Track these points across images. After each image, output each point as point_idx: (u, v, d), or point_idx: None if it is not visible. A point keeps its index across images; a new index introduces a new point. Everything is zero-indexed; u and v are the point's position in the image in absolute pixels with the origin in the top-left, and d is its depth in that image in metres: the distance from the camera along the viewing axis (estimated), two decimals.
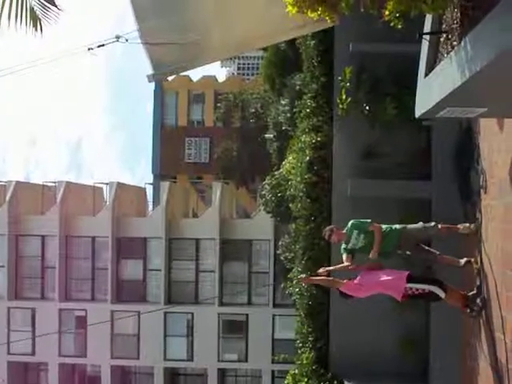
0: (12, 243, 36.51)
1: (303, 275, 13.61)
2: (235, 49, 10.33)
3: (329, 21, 7.77)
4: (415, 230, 12.43)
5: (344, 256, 12.56)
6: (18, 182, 37.94)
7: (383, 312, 14.94)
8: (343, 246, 12.57)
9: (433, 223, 12.48)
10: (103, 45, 9.68)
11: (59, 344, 36.38)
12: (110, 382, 36.71)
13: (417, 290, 11.91)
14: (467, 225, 12.63)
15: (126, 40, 9.61)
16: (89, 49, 9.53)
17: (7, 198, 36.64)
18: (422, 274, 13.18)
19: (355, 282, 12.21)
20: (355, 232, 12.40)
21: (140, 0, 9.51)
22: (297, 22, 9.55)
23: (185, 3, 9.79)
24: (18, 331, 36.72)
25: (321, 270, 12.75)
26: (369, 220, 12.43)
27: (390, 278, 12.02)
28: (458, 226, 12.64)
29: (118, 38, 9.60)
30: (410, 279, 11.91)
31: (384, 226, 12.45)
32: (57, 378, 36.90)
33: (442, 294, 11.84)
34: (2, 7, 7.28)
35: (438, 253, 12.75)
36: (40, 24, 7.65)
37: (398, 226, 12.50)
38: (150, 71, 10.40)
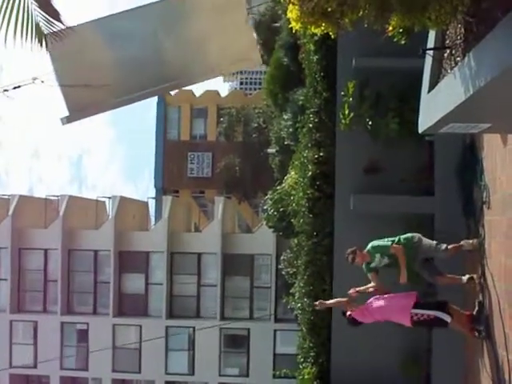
0: (15, 256, 36.48)
1: (317, 302, 13.49)
2: (144, 94, 10.07)
3: (332, 35, 7.75)
4: (427, 246, 12.41)
5: (369, 275, 12.58)
6: (21, 196, 37.97)
7: (385, 330, 14.87)
8: (365, 265, 12.58)
9: (444, 246, 12.40)
10: (19, 86, 9.43)
11: (61, 357, 36.28)
12: None
13: (422, 315, 11.91)
14: (470, 241, 12.61)
15: (42, 81, 9.36)
16: (4, 90, 9.31)
17: (10, 212, 36.65)
18: (425, 294, 13.19)
19: (365, 306, 12.25)
20: (377, 255, 12.42)
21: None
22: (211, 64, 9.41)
23: (96, 44, 9.59)
24: (20, 344, 36.69)
25: (351, 291, 12.76)
26: (388, 243, 12.41)
27: (396, 305, 12.08)
28: (462, 242, 12.62)
29: (34, 79, 9.36)
30: (416, 305, 11.94)
31: (403, 236, 12.48)
32: None
33: (448, 319, 11.83)
34: (8, 23, 7.29)
35: (440, 271, 12.74)
36: (45, 40, 7.66)
37: (413, 235, 12.50)
38: (66, 113, 10.15)
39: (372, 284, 12.66)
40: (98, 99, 9.94)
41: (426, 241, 12.49)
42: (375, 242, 12.53)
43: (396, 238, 12.51)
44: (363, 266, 12.63)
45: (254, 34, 9.10)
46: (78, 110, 10.03)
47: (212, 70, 9.32)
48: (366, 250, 12.52)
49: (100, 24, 9.38)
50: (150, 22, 9.14)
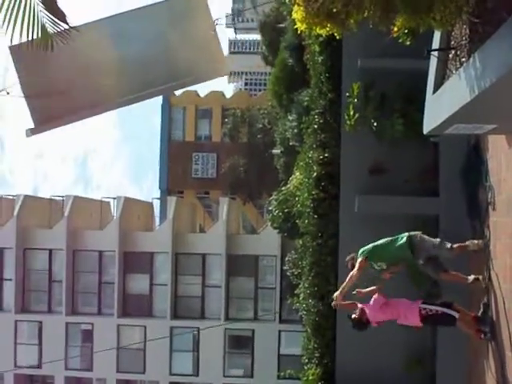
0: (19, 257, 36.53)
1: (335, 302, 13.39)
2: (104, 107, 9.94)
3: (337, 36, 7.75)
4: (430, 245, 12.36)
5: (358, 259, 12.52)
6: (26, 196, 38.01)
7: (390, 330, 14.85)
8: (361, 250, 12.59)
9: (449, 245, 12.36)
10: None
11: (65, 357, 36.31)
12: None
13: (430, 310, 11.91)
14: (475, 241, 12.58)
15: (8, 93, 9.26)
16: None
17: (15, 212, 36.70)
18: (429, 294, 13.21)
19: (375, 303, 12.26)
20: (376, 264, 12.47)
21: (18, 51, 9.17)
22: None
23: (58, 57, 9.45)
24: (24, 344, 36.74)
25: (337, 294, 12.75)
26: (382, 267, 12.45)
27: (405, 306, 12.11)
28: (467, 242, 12.58)
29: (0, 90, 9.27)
30: (422, 302, 11.98)
31: (401, 235, 12.46)
32: None
33: (456, 315, 11.82)
34: (14, 24, 7.30)
35: (445, 268, 12.70)
36: (51, 41, 7.67)
37: (413, 233, 12.48)
38: (32, 125, 9.99)
39: (353, 271, 12.59)
40: (63, 110, 9.83)
41: (428, 239, 12.45)
42: (374, 248, 12.50)
43: (395, 238, 12.47)
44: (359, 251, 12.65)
45: (222, 46, 9.01)
46: (43, 121, 9.91)
47: (177, 82, 9.23)
48: (364, 253, 12.48)
49: (83, 30, 9.26)
50: (128, 30, 9.05)
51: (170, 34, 8.98)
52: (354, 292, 12.53)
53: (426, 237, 12.46)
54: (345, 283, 12.56)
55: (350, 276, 12.45)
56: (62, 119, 10.08)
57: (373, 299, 12.33)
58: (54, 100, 9.40)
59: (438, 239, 12.51)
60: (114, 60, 9.36)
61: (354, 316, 12.46)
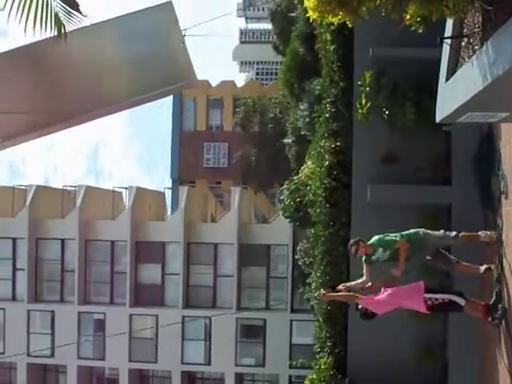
0: (32, 247, 36.62)
1: (322, 291, 13.45)
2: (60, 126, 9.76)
3: (349, 24, 7.72)
4: (435, 238, 12.33)
5: (364, 267, 12.48)
6: (38, 186, 38.09)
7: (402, 319, 14.87)
8: (366, 257, 12.47)
9: (454, 233, 12.33)
10: None
11: (78, 346, 36.45)
12: None
13: (436, 299, 11.86)
14: (488, 233, 12.53)
15: None
16: None
17: (27, 202, 36.79)
18: (440, 285, 13.15)
19: (375, 298, 12.20)
20: (381, 249, 12.32)
21: None
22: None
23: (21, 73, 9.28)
24: (37, 333, 36.89)
25: (340, 287, 12.71)
26: (395, 237, 12.30)
27: (408, 293, 12.03)
28: (479, 233, 12.55)
29: None
30: (427, 290, 11.89)
31: (405, 232, 12.39)
32: (75, 380, 36.94)
33: (462, 302, 11.78)
34: (28, 13, 7.31)
35: (455, 259, 12.68)
36: (64, 30, 7.68)
37: (418, 230, 12.42)
38: None
39: (362, 279, 12.54)
40: (26, 125, 9.69)
41: (432, 233, 12.41)
42: (382, 236, 12.43)
43: (399, 234, 12.40)
44: (363, 257, 12.51)
45: (190, 55, 8.93)
46: (8, 137, 9.81)
47: (146, 95, 9.12)
48: (369, 243, 12.41)
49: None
50: (87, 44, 8.91)
51: (138, 48, 8.89)
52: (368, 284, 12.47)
53: (429, 231, 12.42)
54: (354, 283, 12.60)
55: (361, 281, 12.47)
56: (26, 135, 9.92)
57: (381, 293, 12.29)
58: (17, 115, 9.29)
59: (442, 231, 12.47)
60: (78, 75, 9.21)
61: (360, 306, 12.45)
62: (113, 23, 8.61)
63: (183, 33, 8.78)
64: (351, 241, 12.77)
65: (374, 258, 12.38)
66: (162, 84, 8.98)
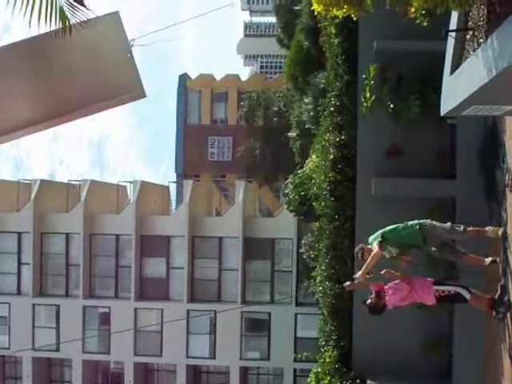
0: (37, 241, 36.69)
1: (348, 283, 13.28)
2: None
3: (354, 17, 7.71)
4: (442, 230, 12.30)
5: (374, 243, 12.39)
6: (42, 181, 38.12)
7: (407, 312, 14.87)
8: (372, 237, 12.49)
9: (462, 227, 12.29)
10: None
11: (83, 340, 36.52)
12: (133, 379, 36.82)
13: (443, 291, 11.90)
14: (496, 229, 12.48)
15: None
16: None
17: (32, 197, 36.82)
18: (447, 276, 13.16)
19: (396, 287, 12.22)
20: (390, 247, 12.35)
21: None
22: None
23: None
24: (42, 327, 36.96)
25: (358, 275, 12.65)
26: (397, 250, 12.33)
27: (420, 287, 12.07)
28: (486, 228, 12.50)
29: None
30: (434, 283, 11.94)
31: (401, 225, 12.38)
32: (80, 374, 37.06)
33: (467, 295, 11.80)
34: (33, 7, 7.30)
35: (462, 251, 12.65)
36: (69, 25, 7.66)
37: (423, 221, 12.40)
38: None
39: (373, 253, 12.49)
40: None
41: (439, 225, 12.39)
42: (387, 232, 12.39)
43: (405, 225, 12.38)
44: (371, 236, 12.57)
45: (137, 67, 8.79)
46: None
47: (90, 106, 8.96)
48: (376, 242, 12.37)
49: None
50: (23, 58, 8.74)
51: (83, 60, 8.71)
52: (383, 272, 12.41)
53: (436, 223, 12.39)
54: (368, 262, 12.45)
55: (372, 255, 12.31)
56: None
57: (396, 286, 12.26)
58: None
59: (449, 223, 12.44)
60: (25, 86, 9.01)
61: (369, 301, 12.39)
62: (53, 35, 8.42)
63: (131, 43, 8.62)
64: (356, 248, 12.82)
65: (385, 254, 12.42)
66: (106, 96, 8.80)
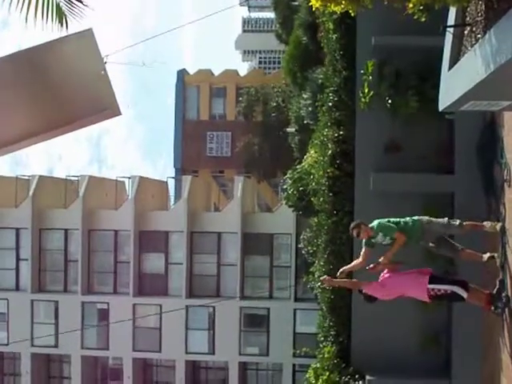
0: (35, 237, 36.69)
1: (325, 276, 13.48)
2: None
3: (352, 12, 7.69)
4: (439, 225, 12.32)
5: (363, 249, 12.51)
6: (41, 177, 38.11)
7: (405, 307, 14.89)
8: (366, 239, 12.49)
9: (458, 221, 12.31)
10: None
11: (82, 336, 36.53)
12: (132, 375, 36.86)
13: (439, 290, 11.86)
14: (493, 224, 12.50)
15: None
16: None
17: (30, 193, 36.82)
18: (445, 275, 13.13)
19: (378, 281, 12.21)
20: (381, 234, 12.33)
21: None
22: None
23: None
24: (41, 324, 36.96)
25: (339, 273, 12.71)
26: (395, 226, 12.28)
27: (413, 282, 12.02)
28: (484, 223, 12.52)
29: None
30: (431, 280, 11.87)
31: (407, 219, 12.38)
32: (79, 370, 37.09)
33: (464, 295, 11.78)
34: (29, 3, 7.29)
35: (460, 247, 12.67)
36: (66, 20, 7.64)
37: (421, 218, 12.41)
38: None
39: (358, 260, 12.58)
40: None
41: (436, 220, 12.40)
42: (383, 221, 12.44)
43: (402, 220, 12.40)
44: (364, 240, 12.55)
45: (111, 84, 8.65)
46: None
47: (62, 127, 8.84)
48: (370, 226, 12.42)
49: None
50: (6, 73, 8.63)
51: (57, 78, 8.59)
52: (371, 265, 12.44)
53: (433, 219, 12.41)
54: (352, 265, 12.60)
55: (358, 261, 12.47)
56: None
57: (380, 278, 12.29)
58: None
59: (446, 218, 12.45)
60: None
61: (364, 290, 12.47)
62: (32, 51, 8.33)
63: (104, 60, 8.51)
64: (352, 224, 12.79)
65: (374, 241, 12.41)
66: (79, 115, 8.65)
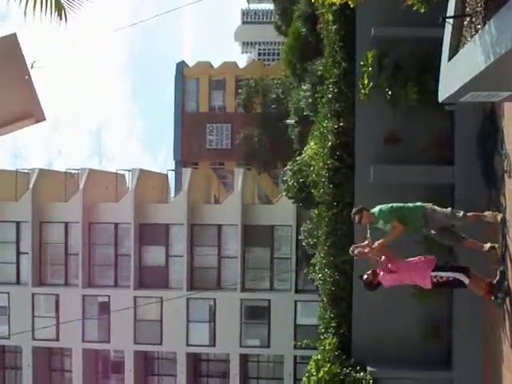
0: (36, 230, 36.68)
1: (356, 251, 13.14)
2: None
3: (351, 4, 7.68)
4: (442, 215, 12.33)
5: (368, 232, 12.53)
6: (41, 170, 38.07)
7: (406, 298, 14.90)
8: (369, 225, 12.55)
9: (461, 213, 12.30)
10: None
11: (83, 330, 36.57)
12: (133, 368, 36.89)
13: (441, 277, 11.89)
14: (495, 213, 12.50)
15: None
16: None
17: (31, 186, 36.78)
18: (446, 262, 13.12)
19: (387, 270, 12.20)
20: (381, 221, 12.36)
21: None
22: None
23: None
24: (42, 317, 36.97)
25: (352, 249, 12.72)
26: (393, 217, 12.29)
27: (417, 268, 12.03)
28: (485, 213, 12.53)
29: None
30: (435, 267, 11.90)
31: (411, 205, 12.40)
32: (81, 363, 37.11)
33: (466, 281, 11.80)
34: None
35: (462, 235, 12.68)
36: (65, 13, 7.61)
37: (425, 205, 12.41)
38: None
39: (365, 242, 12.58)
40: None
41: (440, 209, 12.41)
42: (384, 208, 12.46)
43: (405, 205, 12.44)
44: (367, 225, 12.58)
45: (35, 90, 8.47)
46: None
47: None
48: (372, 211, 12.46)
49: None
50: None
51: None
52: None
53: (437, 208, 12.42)
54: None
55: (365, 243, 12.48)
56: None
57: (386, 268, 12.29)
58: None
59: (450, 209, 12.46)
60: None
61: (365, 277, 12.45)
62: None
63: (30, 65, 8.34)
64: (354, 209, 12.81)
65: (375, 226, 12.47)
66: (3, 122, 8.47)
